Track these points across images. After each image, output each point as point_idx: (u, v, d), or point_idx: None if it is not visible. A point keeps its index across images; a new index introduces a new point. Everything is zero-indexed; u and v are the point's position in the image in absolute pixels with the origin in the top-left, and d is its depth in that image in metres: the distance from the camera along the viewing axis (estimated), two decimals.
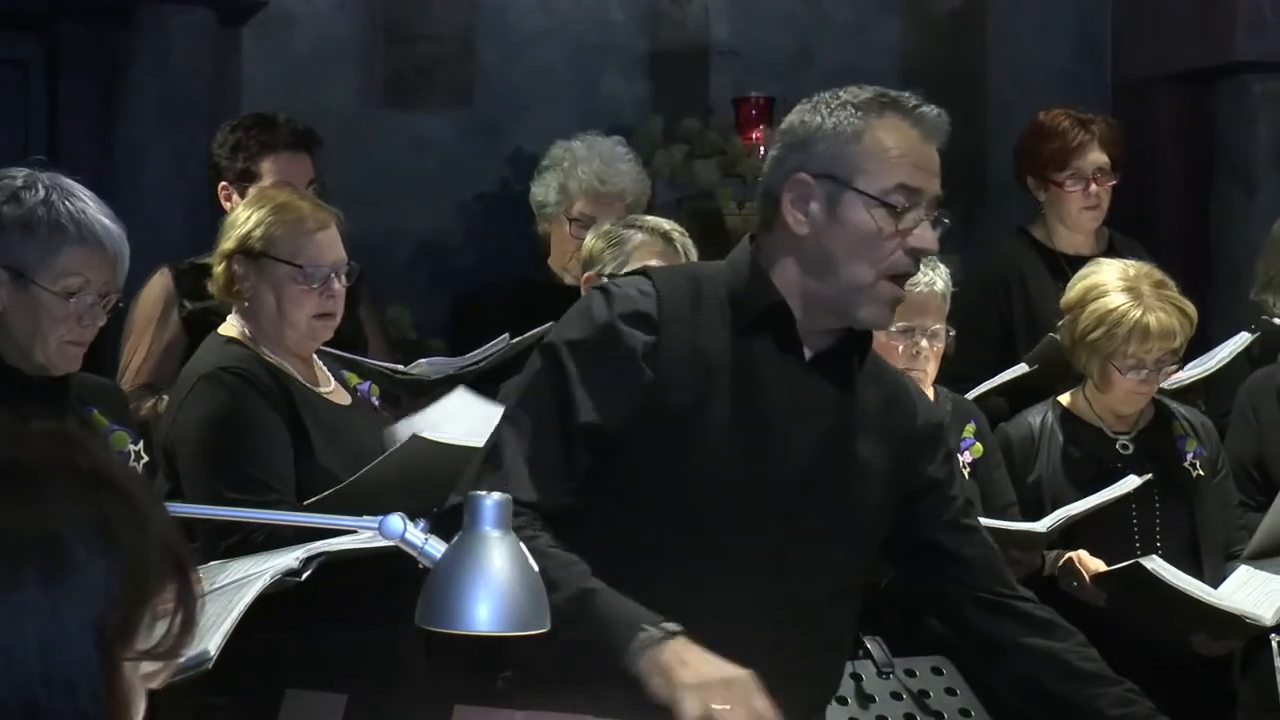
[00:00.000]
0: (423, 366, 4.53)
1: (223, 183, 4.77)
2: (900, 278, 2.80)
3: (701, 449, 2.76)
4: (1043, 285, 5.18)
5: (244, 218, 3.94)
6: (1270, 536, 4.31)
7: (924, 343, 4.27)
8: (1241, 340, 4.97)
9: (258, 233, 3.88)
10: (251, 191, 4.64)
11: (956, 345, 5.09)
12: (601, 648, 2.61)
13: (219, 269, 3.94)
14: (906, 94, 2.84)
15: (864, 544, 2.92)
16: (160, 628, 1.49)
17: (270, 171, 4.70)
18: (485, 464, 2.78)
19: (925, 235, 2.79)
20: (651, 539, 2.75)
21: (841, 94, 2.84)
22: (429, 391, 4.47)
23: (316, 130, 4.92)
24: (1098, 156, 5.25)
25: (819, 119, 2.82)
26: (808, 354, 2.84)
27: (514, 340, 4.49)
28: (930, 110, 2.83)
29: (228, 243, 3.92)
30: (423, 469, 3.51)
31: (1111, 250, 5.27)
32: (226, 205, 4.72)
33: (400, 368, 4.49)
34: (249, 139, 4.75)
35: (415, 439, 3.54)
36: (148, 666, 1.50)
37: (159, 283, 4.62)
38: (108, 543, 1.46)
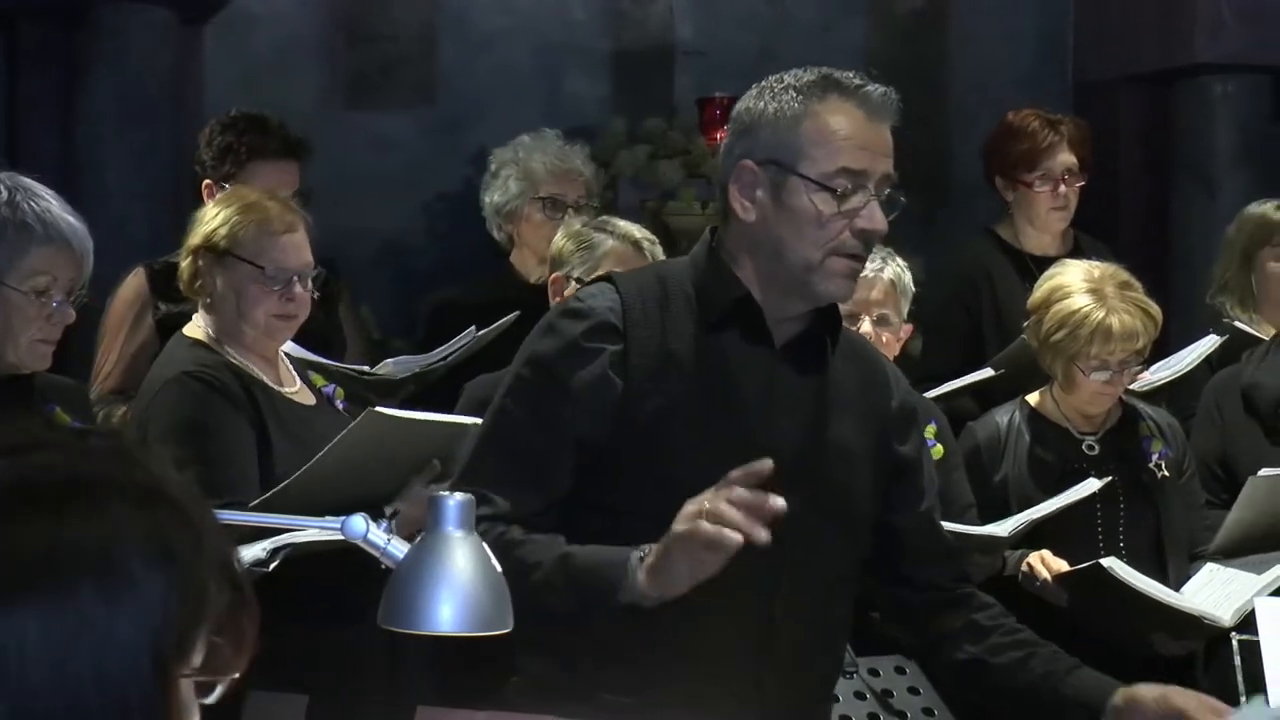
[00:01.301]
0: (389, 366, 4.51)
1: (206, 181, 4.73)
2: (851, 255, 2.80)
3: (682, 449, 2.76)
4: (1010, 285, 5.19)
5: (212, 214, 3.94)
6: (1233, 534, 4.32)
7: (868, 326, 4.25)
8: (1210, 343, 4.98)
9: (223, 230, 3.88)
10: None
11: (925, 345, 5.10)
12: (599, 595, 2.62)
13: (185, 263, 3.94)
14: (852, 74, 2.82)
15: (855, 526, 2.92)
16: (215, 644, 1.46)
17: (256, 179, 4.66)
18: (460, 482, 2.78)
19: (873, 216, 2.78)
20: (642, 544, 2.73)
21: (786, 77, 2.83)
22: (396, 391, 4.46)
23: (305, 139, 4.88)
24: (1066, 157, 5.26)
25: (762, 105, 2.81)
26: (778, 342, 2.84)
27: (480, 333, 4.49)
28: (875, 89, 2.80)
29: (195, 238, 3.92)
30: (381, 449, 3.50)
31: (1077, 251, 5.27)
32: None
33: (366, 368, 4.47)
34: (240, 144, 4.71)
35: (372, 414, 3.52)
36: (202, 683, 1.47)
37: (133, 284, 4.59)
38: (165, 559, 1.43)
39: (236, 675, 1.47)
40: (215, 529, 1.48)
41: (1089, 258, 5.03)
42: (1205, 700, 2.76)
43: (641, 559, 2.61)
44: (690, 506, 2.56)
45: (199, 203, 4.62)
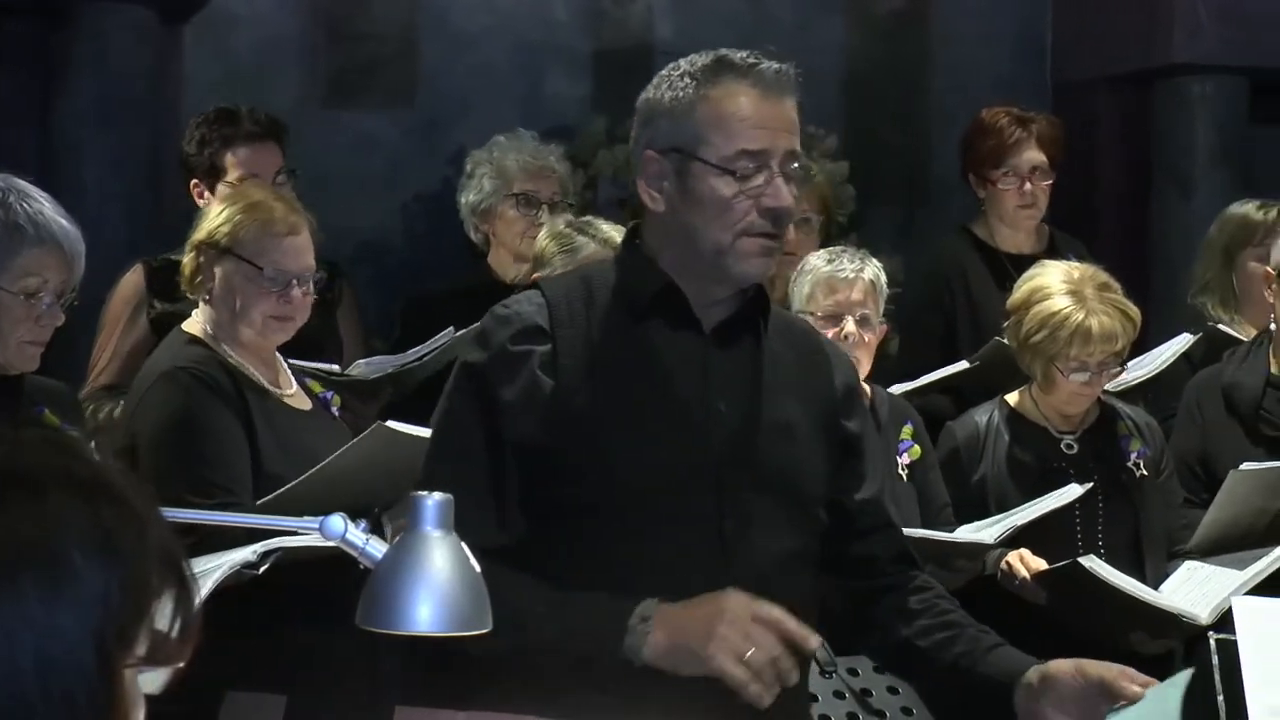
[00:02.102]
0: (361, 368, 4.51)
1: (194, 180, 4.75)
2: (762, 234, 2.80)
3: (620, 441, 2.77)
4: (984, 283, 5.19)
5: (216, 211, 3.94)
6: (1211, 531, 4.34)
7: (851, 326, 4.28)
8: (1183, 341, 4.99)
9: (225, 228, 3.88)
10: (221, 187, 4.63)
11: (901, 343, 5.11)
12: (593, 653, 2.66)
13: (187, 258, 3.94)
14: (745, 53, 2.81)
15: (806, 505, 2.91)
16: (160, 635, 1.47)
17: (236, 164, 4.69)
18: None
19: (778, 194, 2.77)
20: (591, 544, 2.74)
21: (682, 64, 2.83)
22: (374, 392, 4.46)
23: (283, 121, 4.90)
24: (1034, 155, 5.25)
25: (660, 94, 2.82)
26: (707, 327, 2.85)
27: (459, 333, 4.49)
28: (769, 66, 2.79)
29: (198, 234, 3.92)
30: (385, 462, 3.51)
31: (1052, 248, 5.28)
32: (200, 202, 4.70)
33: (335, 368, 4.46)
34: (212, 134, 4.74)
35: (379, 428, 3.54)
36: (147, 672, 1.48)
37: (131, 280, 4.60)
38: (107, 550, 1.43)
39: (180, 665, 1.48)
40: (159, 520, 1.48)
41: (1065, 255, 5.05)
42: (1125, 670, 2.74)
43: (643, 628, 2.64)
44: (731, 634, 2.59)
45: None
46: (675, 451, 2.79)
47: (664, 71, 2.86)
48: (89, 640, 1.41)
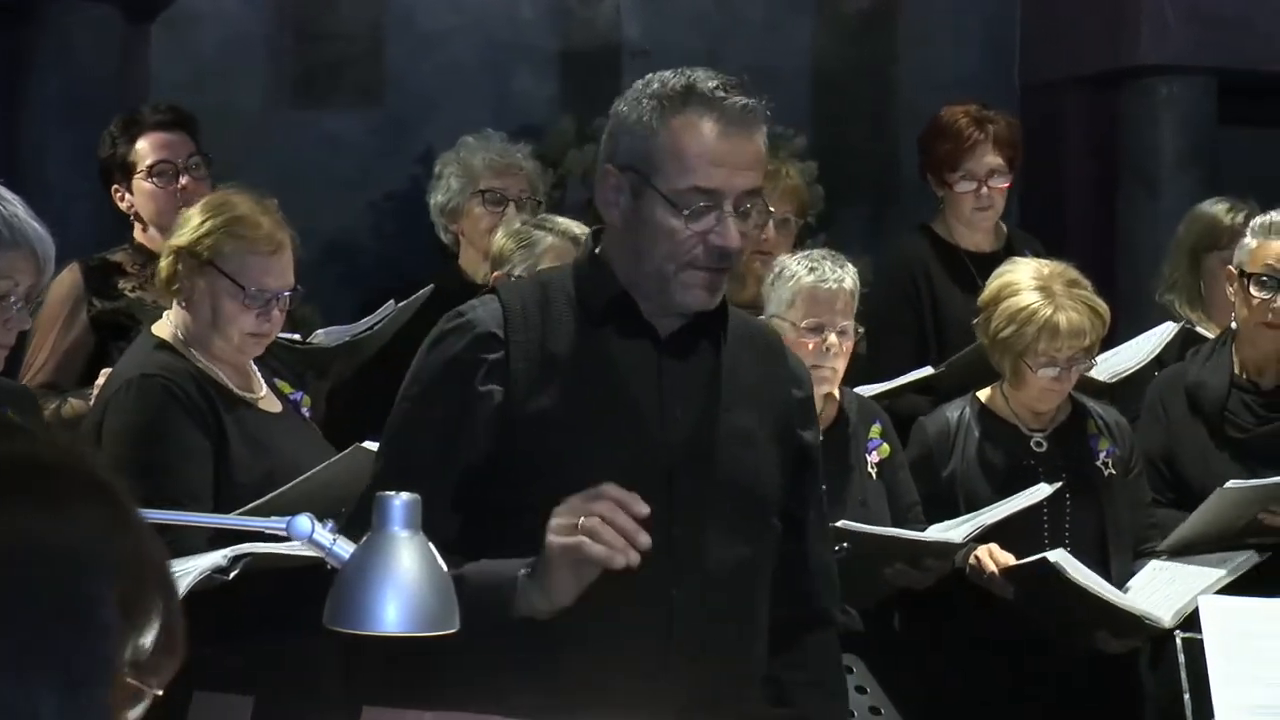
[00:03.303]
0: (320, 337, 4.56)
1: (114, 185, 4.73)
2: (707, 269, 2.78)
3: (573, 448, 2.77)
4: (945, 280, 5.17)
5: (199, 220, 3.85)
6: (1186, 537, 4.34)
7: (833, 338, 4.30)
8: (1168, 330, 4.99)
9: (208, 240, 3.81)
10: (139, 181, 4.59)
11: (873, 344, 5.11)
12: (493, 613, 2.62)
13: (165, 262, 3.87)
14: (716, 82, 2.77)
15: (760, 513, 2.89)
16: (146, 648, 1.38)
17: (147, 151, 4.66)
18: (356, 519, 2.77)
19: (726, 234, 2.75)
20: (541, 548, 2.70)
21: (654, 82, 2.81)
22: (329, 363, 4.49)
23: (192, 112, 4.86)
24: (991, 159, 5.18)
25: (626, 109, 2.81)
26: (663, 335, 2.84)
27: (400, 304, 4.52)
28: (736, 101, 2.75)
29: (179, 239, 3.85)
30: (359, 480, 3.49)
31: (1010, 246, 5.27)
32: (122, 205, 4.69)
33: (297, 337, 4.48)
34: (120, 132, 4.72)
35: (357, 449, 3.53)
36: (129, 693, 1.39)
37: (67, 279, 4.56)
38: (112, 556, 1.35)
39: (163, 684, 1.40)
40: (151, 532, 1.42)
41: (1021, 252, 5.05)
42: None
43: (528, 574, 2.63)
44: (560, 518, 2.59)
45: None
46: (627, 456, 2.77)
47: (639, 84, 2.84)
48: (99, 647, 1.32)
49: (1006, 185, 5.23)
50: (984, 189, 5.18)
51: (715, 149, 2.74)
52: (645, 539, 2.56)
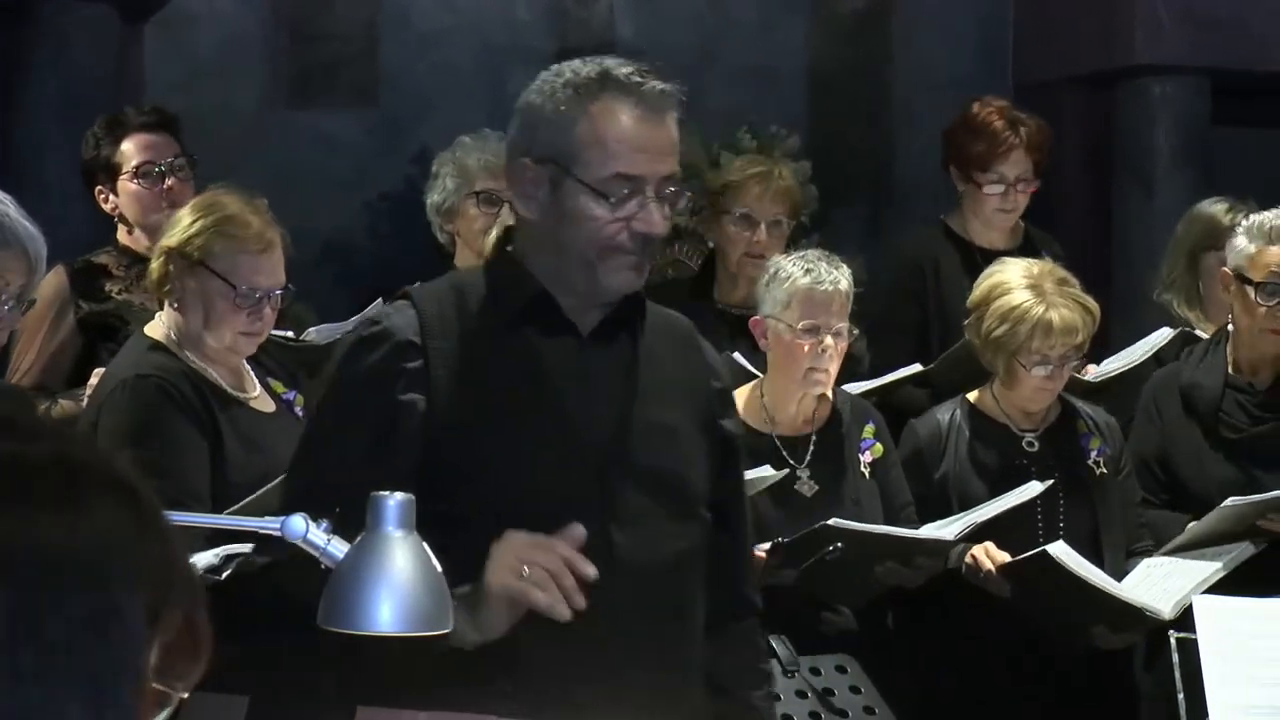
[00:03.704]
0: (313, 335, 4.55)
1: (97, 186, 4.72)
2: (631, 253, 2.76)
3: (501, 451, 2.74)
4: (955, 276, 5.12)
5: (189, 221, 3.86)
6: (1183, 545, 4.34)
7: (829, 340, 4.30)
8: (1163, 335, 4.98)
9: (199, 240, 3.82)
10: (125, 182, 4.59)
11: (874, 338, 5.11)
12: (418, 644, 2.58)
13: (156, 263, 3.88)
14: (631, 69, 2.75)
15: (690, 506, 2.88)
16: (172, 651, 1.34)
17: (132, 152, 4.65)
18: (284, 503, 2.75)
19: (650, 220, 2.73)
20: (478, 556, 2.65)
21: (566, 71, 2.78)
22: (323, 362, 4.49)
23: (174, 112, 4.86)
24: (1022, 164, 5.14)
25: (541, 100, 2.78)
26: (584, 331, 2.82)
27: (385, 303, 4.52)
28: (654, 86, 2.74)
29: (170, 240, 3.86)
30: None
31: (1028, 244, 5.25)
32: (106, 207, 4.69)
33: (290, 334, 4.48)
34: (104, 133, 4.71)
35: None
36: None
37: (53, 281, 4.56)
38: (139, 557, 1.31)
39: (189, 687, 1.37)
40: (176, 533, 1.38)
41: (1040, 251, 5.05)
42: None
43: (458, 605, 2.53)
44: (506, 556, 2.57)
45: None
46: (557, 459, 2.75)
47: (547, 75, 2.80)
48: (127, 648, 1.29)
49: (1033, 189, 5.23)
50: (1010, 193, 5.18)
51: (636, 135, 2.72)
52: (581, 601, 2.56)
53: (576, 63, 2.79)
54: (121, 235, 4.68)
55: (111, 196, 4.67)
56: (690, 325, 3.07)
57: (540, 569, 2.55)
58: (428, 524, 2.69)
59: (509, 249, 2.87)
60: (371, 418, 2.75)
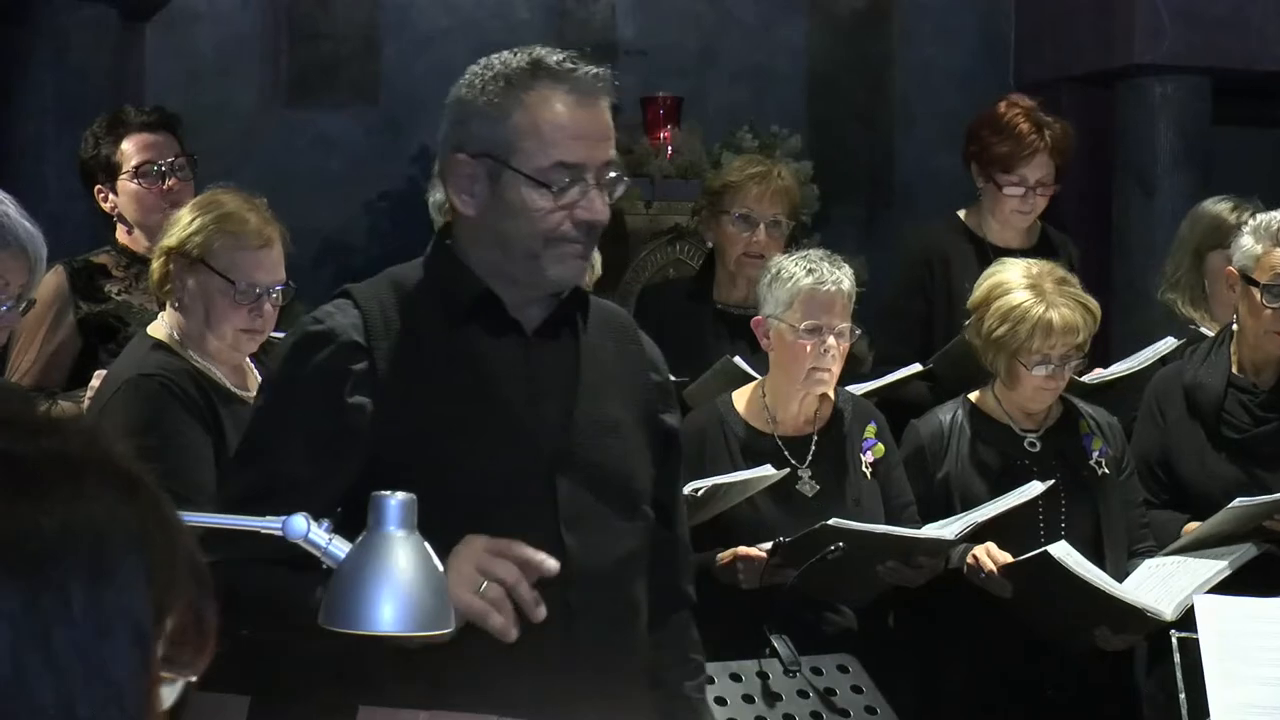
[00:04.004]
0: None
1: (96, 185, 4.72)
2: (575, 241, 2.73)
3: (449, 451, 2.71)
4: (967, 272, 5.06)
5: (188, 219, 3.87)
6: (1187, 546, 4.34)
7: (830, 340, 4.30)
8: (1167, 344, 4.97)
9: (198, 238, 3.82)
10: (124, 181, 4.59)
11: (880, 332, 5.11)
12: (364, 644, 2.47)
13: (157, 263, 3.89)
14: (562, 56, 2.72)
15: (635, 503, 2.86)
16: (178, 642, 1.35)
17: (133, 152, 4.64)
18: (223, 499, 2.73)
19: (592, 207, 2.71)
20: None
21: (496, 63, 2.74)
22: None
23: (174, 112, 4.86)
24: (1045, 167, 5.12)
25: (472, 94, 2.74)
26: (528, 328, 2.79)
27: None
28: (585, 71, 2.71)
29: (169, 240, 3.86)
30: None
31: (1045, 243, 5.23)
32: (105, 206, 4.68)
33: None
34: (104, 132, 4.70)
35: None
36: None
37: (52, 281, 4.55)
38: (143, 549, 1.31)
39: (197, 674, 1.38)
40: (182, 524, 1.39)
41: (1057, 252, 5.04)
42: None
43: None
44: (463, 567, 2.50)
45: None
46: (506, 458, 2.73)
47: (476, 68, 2.76)
48: (134, 642, 1.29)
49: (1052, 192, 5.21)
50: (1030, 194, 5.16)
51: (573, 122, 2.69)
52: (543, 612, 2.52)
53: (505, 54, 2.75)
54: (120, 235, 4.67)
55: (111, 196, 4.66)
56: (630, 318, 3.05)
57: (498, 590, 2.50)
58: None
59: (447, 243, 2.82)
60: (319, 420, 2.71)
